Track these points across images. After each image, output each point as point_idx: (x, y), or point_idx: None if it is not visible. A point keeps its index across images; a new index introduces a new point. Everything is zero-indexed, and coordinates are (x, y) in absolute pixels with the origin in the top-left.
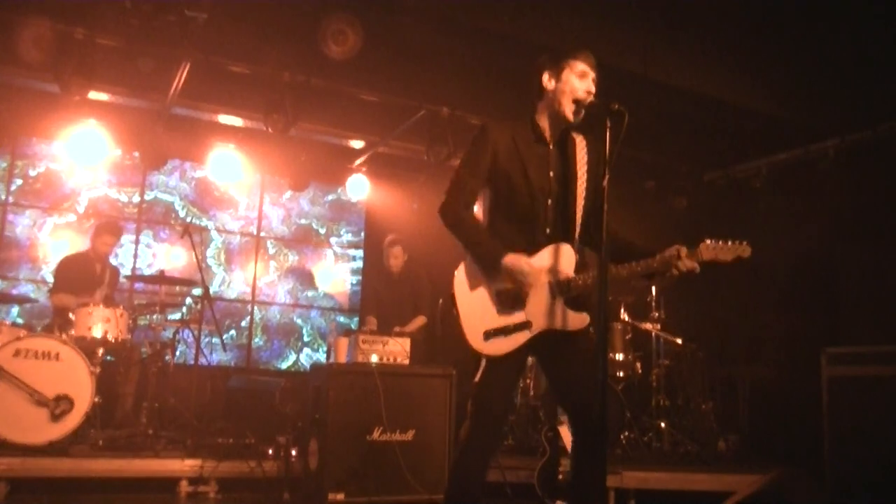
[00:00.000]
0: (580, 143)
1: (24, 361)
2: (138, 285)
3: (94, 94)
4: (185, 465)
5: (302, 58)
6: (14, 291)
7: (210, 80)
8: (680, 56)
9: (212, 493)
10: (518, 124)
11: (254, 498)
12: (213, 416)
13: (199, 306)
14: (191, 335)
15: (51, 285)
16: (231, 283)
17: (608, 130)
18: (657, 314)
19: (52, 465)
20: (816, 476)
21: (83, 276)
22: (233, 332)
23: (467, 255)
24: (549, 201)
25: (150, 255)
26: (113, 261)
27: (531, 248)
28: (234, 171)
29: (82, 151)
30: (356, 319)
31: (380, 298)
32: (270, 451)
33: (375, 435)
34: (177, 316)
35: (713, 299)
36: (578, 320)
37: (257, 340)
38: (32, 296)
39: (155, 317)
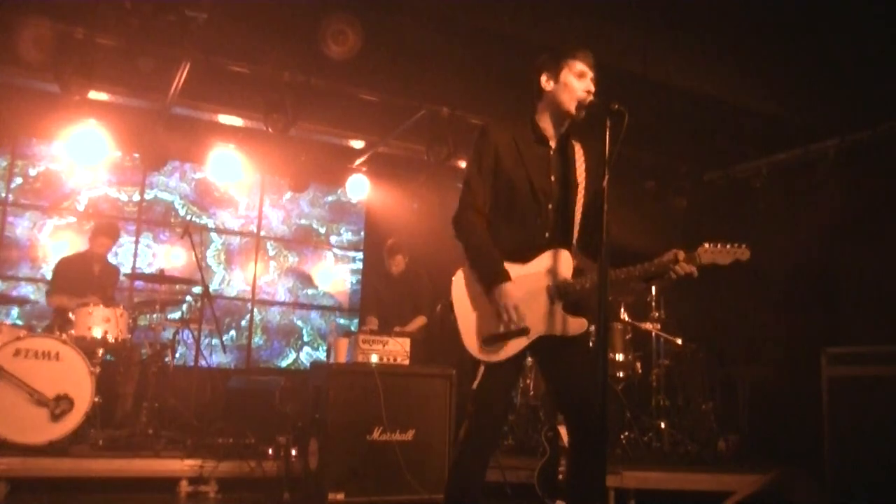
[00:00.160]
0: (578, 149)
1: (24, 361)
2: (138, 284)
3: (94, 94)
4: (185, 465)
5: (302, 58)
6: (14, 292)
7: (210, 80)
8: (680, 56)
9: (212, 493)
10: (518, 125)
11: (254, 498)
12: (213, 416)
13: (199, 305)
14: (191, 336)
15: (48, 286)
16: (231, 283)
17: (608, 130)
18: (657, 314)
19: (52, 465)
20: (816, 476)
21: (80, 277)
22: (233, 332)
23: (466, 263)
24: (550, 205)
25: (150, 255)
26: (112, 260)
27: (530, 252)
28: (234, 171)
29: (82, 151)
30: (356, 321)
31: (380, 298)
32: (270, 451)
33: (375, 435)
34: (177, 315)
35: (713, 299)
36: (576, 325)
37: (257, 340)
38: (32, 296)
39: (155, 316)
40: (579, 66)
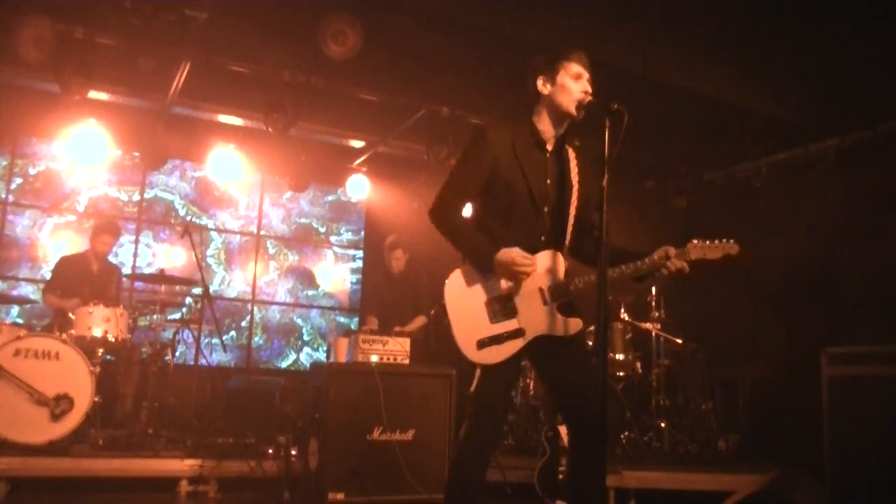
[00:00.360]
0: (572, 153)
1: (24, 361)
2: (138, 284)
3: (94, 94)
4: (184, 465)
5: (302, 58)
6: (14, 291)
7: (210, 79)
8: (680, 56)
9: (212, 492)
10: (516, 127)
11: (254, 498)
12: (213, 415)
13: (199, 305)
14: (191, 335)
15: (45, 284)
16: (231, 283)
17: (607, 130)
18: (657, 314)
19: (52, 465)
20: (816, 476)
21: (79, 277)
22: (233, 332)
23: (460, 265)
24: (546, 208)
25: (150, 255)
26: (113, 260)
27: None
28: (234, 171)
29: (82, 151)
30: (356, 319)
31: (380, 298)
32: (270, 451)
33: (375, 435)
34: (177, 316)
35: (713, 299)
36: (571, 325)
37: (257, 340)
38: (32, 296)
39: (155, 317)
40: (575, 67)
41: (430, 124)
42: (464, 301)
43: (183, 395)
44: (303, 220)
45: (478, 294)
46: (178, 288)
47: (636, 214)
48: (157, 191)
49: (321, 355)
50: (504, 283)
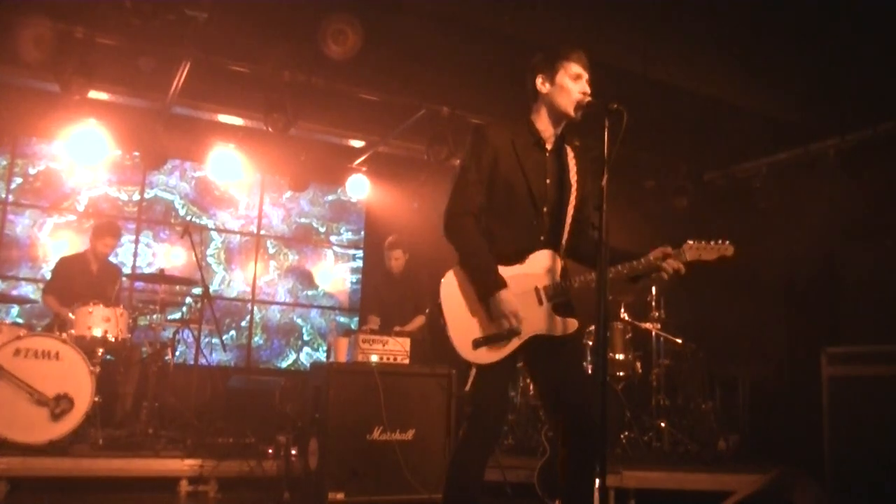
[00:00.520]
0: (571, 152)
1: (24, 361)
2: (138, 284)
3: (94, 94)
4: (184, 465)
5: (302, 58)
6: (14, 291)
7: (210, 79)
8: (680, 56)
9: (212, 492)
10: (516, 127)
11: (254, 498)
12: (213, 415)
13: (199, 305)
14: (191, 335)
15: (45, 284)
16: (231, 283)
17: (607, 130)
18: (657, 314)
19: (52, 465)
20: (816, 476)
21: (79, 278)
22: (233, 332)
23: (455, 265)
24: (545, 208)
25: (150, 255)
26: (113, 260)
27: (524, 254)
28: (234, 171)
29: (82, 151)
30: (356, 319)
31: (381, 298)
32: (270, 451)
33: (375, 434)
34: (177, 315)
35: (713, 299)
36: (568, 326)
37: (257, 340)
38: (32, 296)
39: (155, 316)
40: (574, 67)
41: (430, 124)
42: (459, 300)
43: (183, 395)
44: (303, 220)
45: (473, 294)
46: (178, 288)
47: (636, 214)
48: (157, 191)
49: (321, 355)
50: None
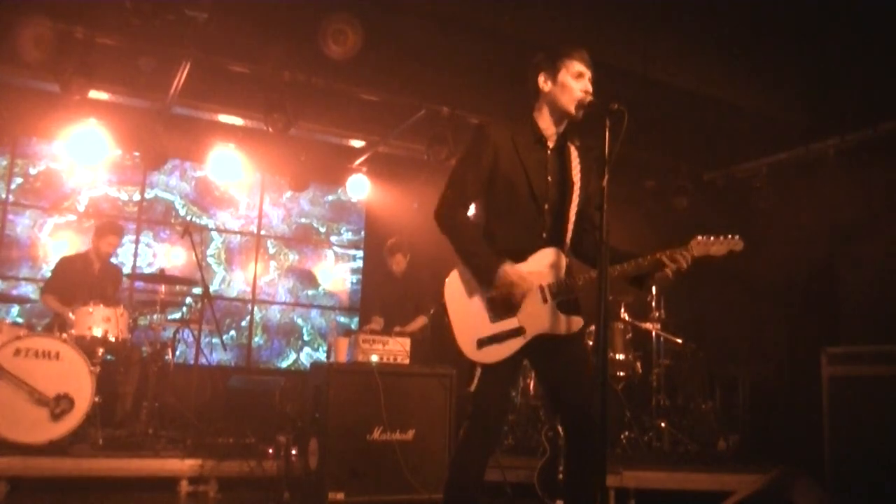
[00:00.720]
0: (574, 152)
1: (25, 361)
2: (138, 284)
3: (94, 94)
4: (185, 465)
5: (302, 57)
6: (14, 291)
7: (210, 79)
8: (680, 56)
9: (212, 492)
10: (517, 126)
11: (254, 498)
12: (213, 415)
13: (199, 305)
14: (191, 335)
15: (45, 284)
16: (231, 283)
17: (607, 130)
18: (657, 314)
19: (52, 465)
20: (816, 476)
21: (80, 278)
22: (233, 332)
23: (458, 264)
24: (546, 206)
25: (150, 255)
26: (113, 259)
27: (526, 253)
28: (234, 171)
29: (82, 151)
30: (356, 319)
31: (382, 298)
32: (270, 451)
33: (375, 435)
34: (177, 315)
35: (714, 299)
36: (572, 324)
37: (257, 340)
38: (32, 296)
39: (155, 316)
40: (577, 66)
41: (430, 124)
42: (463, 300)
43: (183, 395)
44: (303, 220)
45: (477, 293)
46: (178, 288)
47: (636, 214)
48: (158, 191)
49: (321, 355)
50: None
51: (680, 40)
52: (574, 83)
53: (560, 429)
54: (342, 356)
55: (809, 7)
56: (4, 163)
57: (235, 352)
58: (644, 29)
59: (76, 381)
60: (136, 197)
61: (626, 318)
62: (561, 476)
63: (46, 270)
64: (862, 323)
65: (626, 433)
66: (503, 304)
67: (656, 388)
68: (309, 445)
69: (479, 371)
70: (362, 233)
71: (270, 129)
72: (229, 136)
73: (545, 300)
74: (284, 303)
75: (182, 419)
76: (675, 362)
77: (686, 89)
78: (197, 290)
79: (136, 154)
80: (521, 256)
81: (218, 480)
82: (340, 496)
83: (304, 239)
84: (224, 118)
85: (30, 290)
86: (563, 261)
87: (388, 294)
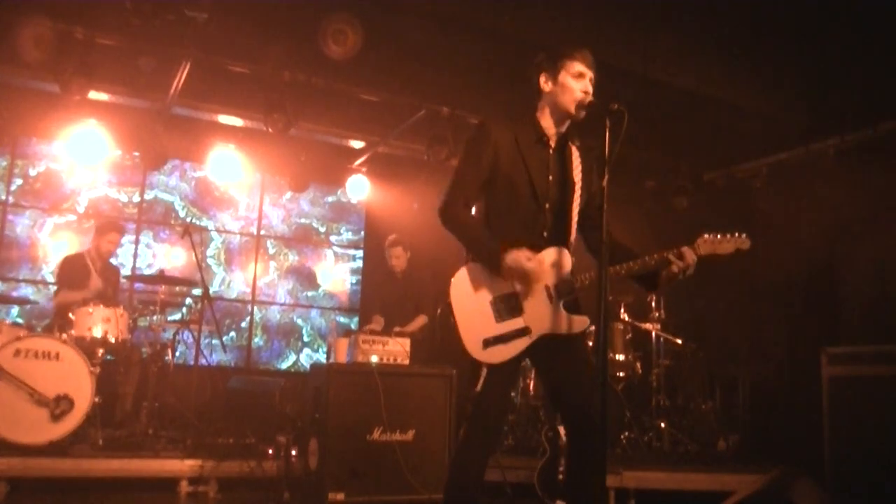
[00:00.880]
0: (575, 151)
1: (25, 361)
2: (138, 285)
3: (94, 94)
4: (185, 465)
5: (302, 58)
6: (14, 292)
7: (210, 79)
8: (680, 56)
9: (212, 493)
10: (519, 124)
11: (254, 498)
12: (213, 416)
13: (198, 306)
14: (191, 336)
15: (54, 287)
16: (231, 283)
17: (607, 130)
18: (657, 314)
19: (52, 465)
20: (816, 476)
21: (83, 275)
22: (233, 333)
23: (464, 264)
24: (548, 205)
25: (150, 255)
26: (113, 260)
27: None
28: (234, 171)
29: (82, 151)
30: (356, 319)
31: (382, 298)
32: (270, 451)
33: (375, 435)
34: (177, 316)
35: (713, 299)
36: (577, 323)
37: (257, 340)
38: (32, 297)
39: (155, 317)
40: (577, 66)
41: (430, 124)
42: (469, 300)
43: (183, 395)
44: (303, 221)
45: (483, 292)
46: (177, 288)
47: (636, 214)
48: (157, 191)
49: (321, 356)
50: (510, 282)
51: (680, 40)
52: (574, 83)
53: (560, 429)
54: (342, 357)
55: (809, 7)
56: (4, 163)
57: (235, 353)
58: (644, 29)
59: (76, 381)
60: (136, 198)
61: (626, 318)
62: (561, 476)
63: (46, 271)
64: (862, 323)
65: (626, 433)
66: (509, 303)
67: (656, 389)
68: (309, 446)
69: (484, 371)
70: (362, 233)
71: (270, 130)
72: (229, 137)
73: (551, 300)
74: (284, 303)
75: (182, 420)
76: (675, 362)
77: (686, 89)
78: (197, 291)
79: (136, 154)
80: None
81: (218, 481)
82: (340, 496)
83: (303, 239)
84: (224, 118)
85: (30, 291)
86: (568, 260)
87: (388, 294)
